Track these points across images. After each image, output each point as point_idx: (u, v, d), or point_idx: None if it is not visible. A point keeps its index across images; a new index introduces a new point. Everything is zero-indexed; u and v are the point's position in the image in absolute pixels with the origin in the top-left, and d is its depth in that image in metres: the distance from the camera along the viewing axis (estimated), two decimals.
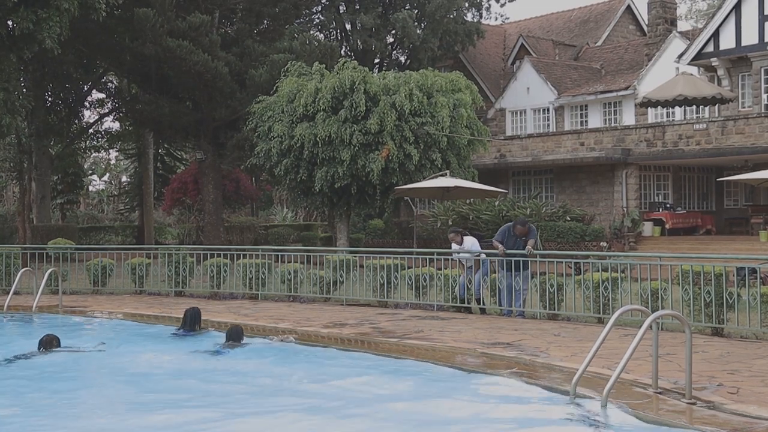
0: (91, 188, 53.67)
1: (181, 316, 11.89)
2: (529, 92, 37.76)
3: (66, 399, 8.26)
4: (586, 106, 36.61)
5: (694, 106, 29.11)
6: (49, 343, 10.32)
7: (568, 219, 27.67)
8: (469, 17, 38.56)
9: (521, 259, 13.05)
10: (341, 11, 36.51)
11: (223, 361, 9.89)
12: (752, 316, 10.62)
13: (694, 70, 30.38)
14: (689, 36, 32.95)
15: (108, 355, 10.41)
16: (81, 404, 7.98)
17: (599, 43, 41.79)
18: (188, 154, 42.20)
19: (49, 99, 32.47)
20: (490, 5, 40.92)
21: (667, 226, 27.52)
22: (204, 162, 29.74)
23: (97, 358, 10.25)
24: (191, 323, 11.49)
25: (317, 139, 21.92)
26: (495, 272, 13.65)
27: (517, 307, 13.07)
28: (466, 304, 13.68)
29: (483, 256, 13.97)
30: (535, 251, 13.26)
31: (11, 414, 7.53)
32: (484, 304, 13.76)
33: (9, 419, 7.31)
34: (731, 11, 29.38)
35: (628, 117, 34.71)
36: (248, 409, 7.78)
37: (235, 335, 10.56)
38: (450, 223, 28.89)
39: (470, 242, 14.43)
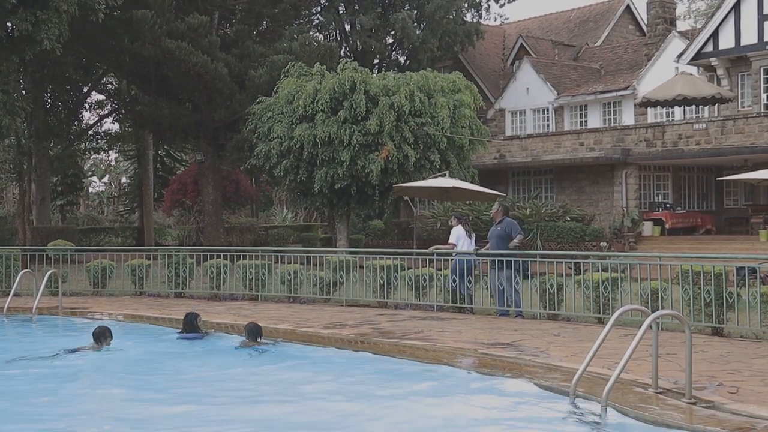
0: (90, 190, 53.70)
1: (182, 317, 11.86)
2: (528, 92, 37.76)
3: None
4: (585, 106, 36.61)
5: (694, 106, 29.10)
6: (102, 335, 10.28)
7: (568, 219, 27.67)
8: (468, 18, 38.56)
9: (503, 258, 13.10)
10: (340, 12, 36.51)
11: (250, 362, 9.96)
12: (752, 316, 10.62)
13: (693, 69, 30.38)
14: (688, 36, 32.94)
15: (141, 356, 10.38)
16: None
17: (598, 43, 41.79)
18: (188, 156, 42.20)
19: (49, 100, 32.48)
20: (489, 6, 40.92)
21: (666, 226, 27.51)
22: (204, 163, 29.74)
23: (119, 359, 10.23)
24: (189, 326, 11.38)
25: (317, 139, 21.91)
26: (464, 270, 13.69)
27: (504, 306, 13.06)
28: (458, 304, 13.75)
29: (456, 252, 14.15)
30: (535, 251, 13.27)
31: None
32: (466, 302, 13.74)
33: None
34: (730, 11, 29.37)
35: (628, 117, 34.70)
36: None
37: (252, 333, 10.58)
38: (450, 223, 28.88)
39: (453, 234, 14.52)
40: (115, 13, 25.89)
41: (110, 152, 48.68)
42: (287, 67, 23.93)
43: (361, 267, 14.97)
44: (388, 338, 10.73)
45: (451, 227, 14.96)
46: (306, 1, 30.41)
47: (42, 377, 9.19)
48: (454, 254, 14.02)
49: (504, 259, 13.08)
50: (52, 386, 8.79)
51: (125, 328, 12.74)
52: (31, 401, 8.19)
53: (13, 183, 42.07)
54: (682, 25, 45.66)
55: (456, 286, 13.65)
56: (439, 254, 14.53)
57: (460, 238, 14.43)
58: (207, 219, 30.06)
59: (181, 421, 7.39)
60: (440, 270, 14.04)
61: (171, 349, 10.89)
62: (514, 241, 13.25)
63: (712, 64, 30.17)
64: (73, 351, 10.15)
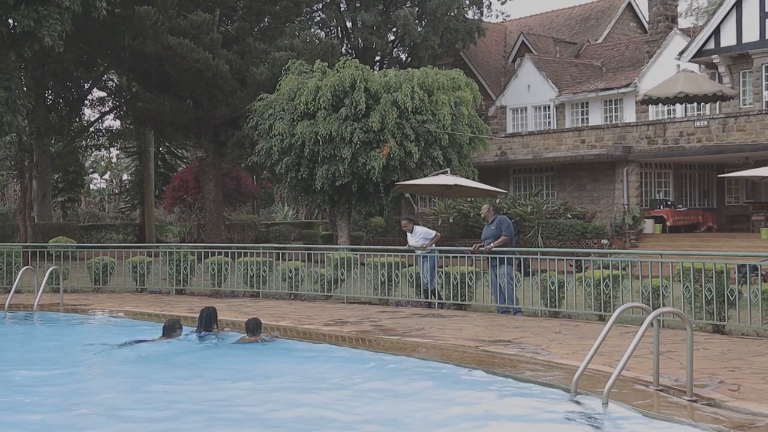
0: (92, 186, 53.75)
1: (182, 314, 11.85)
2: (529, 90, 37.73)
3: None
4: (586, 103, 36.57)
5: (695, 104, 29.07)
6: (171, 328, 10.44)
7: (569, 216, 27.64)
8: (470, 15, 38.52)
9: (502, 255, 13.11)
10: (342, 9, 36.50)
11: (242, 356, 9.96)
12: (753, 314, 10.61)
13: (695, 67, 30.34)
14: (690, 33, 32.91)
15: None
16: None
17: (600, 41, 41.75)
18: (189, 152, 42.24)
19: (50, 97, 32.49)
20: (491, 3, 40.97)
21: (668, 224, 27.50)
22: (205, 160, 29.75)
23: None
24: (207, 323, 11.33)
25: (318, 137, 21.92)
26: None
27: (503, 303, 13.07)
28: (425, 299, 13.89)
29: (433, 246, 14.38)
30: (536, 248, 13.27)
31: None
32: (440, 297, 13.77)
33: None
34: (732, 8, 29.33)
35: (629, 114, 34.67)
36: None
37: (253, 327, 10.60)
38: (451, 221, 28.90)
39: (420, 232, 14.60)
40: (117, 10, 25.87)
41: (111, 149, 48.75)
42: (288, 64, 23.93)
43: (362, 264, 14.97)
44: (390, 335, 10.73)
45: (406, 229, 15.01)
46: None
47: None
48: (419, 252, 14.17)
49: (505, 256, 13.07)
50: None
51: (128, 325, 12.75)
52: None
53: (15, 180, 42.12)
54: (683, 23, 45.68)
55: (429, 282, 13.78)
56: (440, 252, 14.56)
57: (429, 235, 14.61)
58: (208, 216, 30.08)
59: (187, 422, 7.40)
60: (440, 267, 14.04)
61: (184, 348, 10.84)
62: (498, 240, 13.26)
63: (714, 61, 30.14)
64: (141, 342, 10.33)
